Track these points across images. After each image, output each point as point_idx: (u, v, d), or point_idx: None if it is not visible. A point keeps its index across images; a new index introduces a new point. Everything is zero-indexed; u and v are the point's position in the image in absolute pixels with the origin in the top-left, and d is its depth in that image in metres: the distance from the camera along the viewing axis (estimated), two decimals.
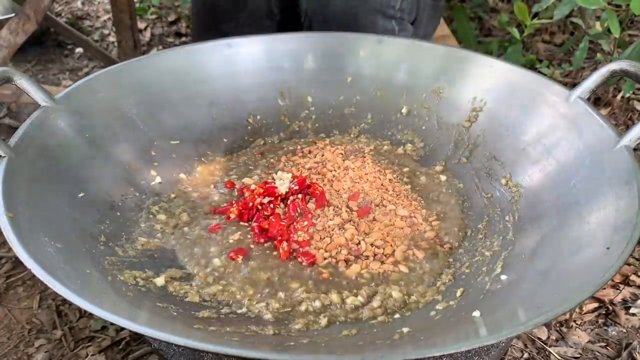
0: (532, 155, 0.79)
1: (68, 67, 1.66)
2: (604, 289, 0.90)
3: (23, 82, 0.74)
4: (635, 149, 0.69)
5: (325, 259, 0.73)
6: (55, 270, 0.56)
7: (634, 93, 1.31)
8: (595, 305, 0.89)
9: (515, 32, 1.29)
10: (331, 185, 0.83)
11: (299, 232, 0.75)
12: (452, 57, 0.91)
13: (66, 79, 1.60)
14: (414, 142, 0.92)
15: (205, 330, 0.61)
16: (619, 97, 1.30)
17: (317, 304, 0.67)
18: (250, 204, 0.79)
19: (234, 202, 0.81)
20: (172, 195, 0.84)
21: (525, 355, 0.82)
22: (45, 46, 1.74)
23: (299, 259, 0.73)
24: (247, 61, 0.94)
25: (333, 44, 0.96)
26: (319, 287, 0.69)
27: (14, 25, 1.08)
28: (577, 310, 0.88)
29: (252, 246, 0.75)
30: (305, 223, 0.76)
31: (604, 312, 0.88)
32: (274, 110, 0.96)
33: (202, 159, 0.90)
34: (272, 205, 0.79)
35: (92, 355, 0.82)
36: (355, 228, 0.76)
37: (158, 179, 0.84)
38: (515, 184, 0.80)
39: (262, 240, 0.75)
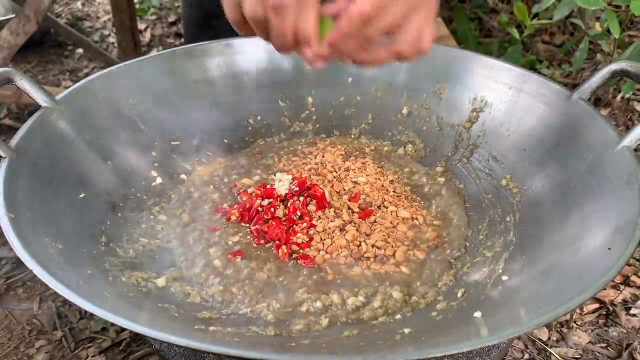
0: (533, 156, 0.79)
1: (68, 67, 1.66)
2: (605, 289, 0.90)
3: (24, 82, 0.74)
4: (635, 150, 0.69)
5: (325, 260, 0.73)
6: (57, 270, 0.56)
7: (633, 94, 1.31)
8: (596, 305, 0.89)
9: (515, 32, 1.29)
10: (332, 187, 0.83)
11: (299, 235, 0.75)
12: (452, 57, 0.90)
13: (66, 79, 1.60)
14: (415, 143, 0.92)
15: (206, 330, 0.61)
16: (618, 97, 1.30)
17: (318, 304, 0.67)
18: (248, 205, 0.79)
19: (235, 203, 0.81)
20: (173, 196, 0.84)
21: (526, 355, 0.82)
22: (46, 47, 1.74)
23: (299, 262, 0.73)
24: (247, 61, 0.94)
25: None
26: (319, 288, 0.69)
27: (14, 26, 1.08)
28: (578, 310, 0.88)
29: (252, 247, 0.75)
30: (304, 225, 0.76)
31: (605, 312, 0.88)
32: (274, 110, 0.96)
33: (203, 160, 0.90)
34: (272, 209, 0.78)
35: (93, 356, 0.82)
36: (356, 229, 0.76)
37: (159, 180, 0.84)
38: (516, 184, 0.80)
39: (261, 241, 0.75)
